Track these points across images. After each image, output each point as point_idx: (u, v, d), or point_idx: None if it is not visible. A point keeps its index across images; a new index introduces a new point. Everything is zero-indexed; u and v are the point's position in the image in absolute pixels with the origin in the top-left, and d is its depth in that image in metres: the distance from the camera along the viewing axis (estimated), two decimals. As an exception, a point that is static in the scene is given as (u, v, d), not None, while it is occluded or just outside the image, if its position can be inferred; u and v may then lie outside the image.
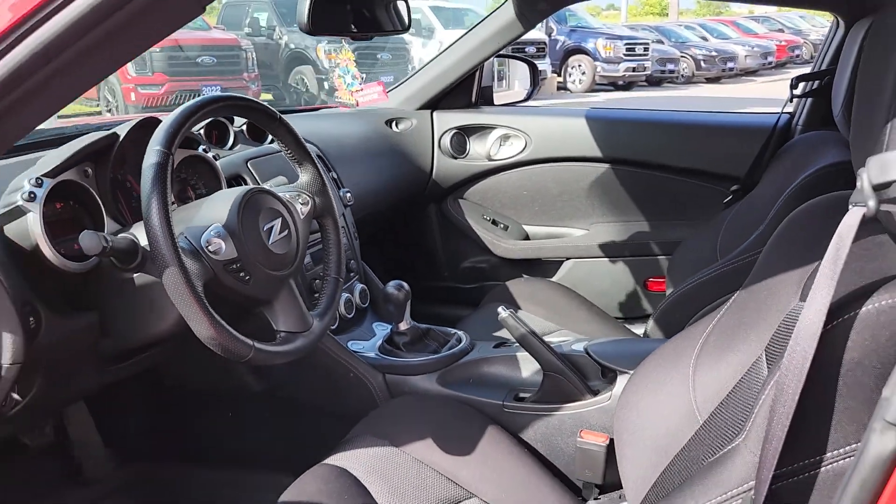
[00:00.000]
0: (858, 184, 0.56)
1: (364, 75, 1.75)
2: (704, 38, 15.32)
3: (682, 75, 13.96)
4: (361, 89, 1.81)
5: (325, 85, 9.16)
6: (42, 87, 0.68)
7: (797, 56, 16.97)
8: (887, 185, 0.53)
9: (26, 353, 0.91)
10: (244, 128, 1.57)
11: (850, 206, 0.58)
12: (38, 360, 0.95)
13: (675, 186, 2.01)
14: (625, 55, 12.44)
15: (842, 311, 0.58)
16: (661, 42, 13.92)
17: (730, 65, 14.63)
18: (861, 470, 0.48)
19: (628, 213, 2.09)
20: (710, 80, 14.34)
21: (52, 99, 0.71)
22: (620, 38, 12.58)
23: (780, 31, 17.96)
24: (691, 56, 14.13)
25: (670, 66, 13.45)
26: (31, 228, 0.96)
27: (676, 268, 1.81)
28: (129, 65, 7.17)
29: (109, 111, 7.96)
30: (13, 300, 0.89)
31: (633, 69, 12.52)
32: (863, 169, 0.55)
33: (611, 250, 2.11)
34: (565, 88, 12.45)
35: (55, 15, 0.65)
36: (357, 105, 2.13)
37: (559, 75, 12.48)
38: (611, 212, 2.11)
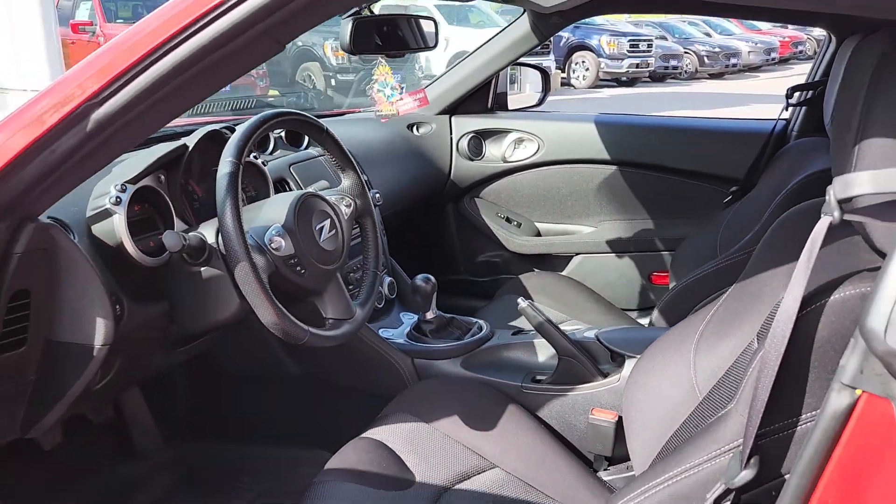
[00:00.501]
0: (827, 198, 0.69)
1: (404, 85, 1.81)
2: (708, 34, 15.30)
3: (686, 71, 13.98)
4: (402, 98, 1.91)
5: (333, 82, 9.25)
6: (155, 104, 0.82)
7: (800, 52, 16.95)
8: (849, 199, 0.67)
9: (114, 337, 1.05)
10: (283, 134, 1.71)
11: (822, 215, 0.71)
12: (120, 343, 1.08)
13: (679, 187, 2.12)
14: (628, 51, 12.45)
15: (815, 299, 0.71)
16: (665, 38, 13.92)
17: (733, 61, 14.63)
18: (822, 423, 0.62)
19: (634, 212, 2.21)
20: (713, 77, 14.36)
21: (160, 115, 0.86)
22: (624, 34, 12.60)
23: (784, 26, 17.98)
24: (694, 52, 14.14)
25: (674, 63, 13.47)
26: (116, 228, 1.09)
27: (679, 263, 1.93)
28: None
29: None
30: (106, 289, 1.03)
31: (637, 65, 12.55)
32: (830, 186, 0.69)
33: (617, 246, 2.22)
34: (569, 84, 12.50)
35: (170, 52, 0.79)
36: (398, 114, 2.22)
37: (563, 71, 12.53)
38: (618, 210, 2.22)
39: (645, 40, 12.74)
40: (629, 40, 12.46)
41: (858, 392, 0.60)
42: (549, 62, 10.78)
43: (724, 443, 0.76)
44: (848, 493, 0.62)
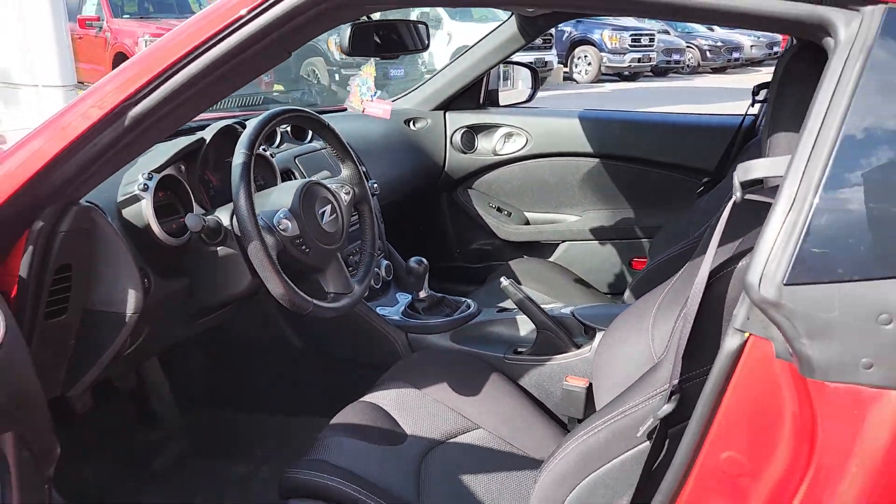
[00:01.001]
0: (733, 181, 0.83)
1: (378, 91, 1.97)
2: (710, 28, 15.37)
3: (688, 66, 14.01)
4: (371, 100, 2.08)
5: (336, 77, 9.36)
6: (181, 103, 0.98)
7: (803, 46, 16.95)
8: (749, 182, 0.81)
9: (143, 306, 1.20)
10: (288, 129, 1.86)
11: (732, 196, 0.85)
12: (147, 313, 1.23)
13: (656, 179, 2.26)
14: (630, 46, 12.48)
15: (727, 265, 0.86)
16: (667, 32, 13.93)
17: (735, 55, 14.66)
18: (719, 361, 0.76)
19: (616, 202, 2.35)
20: (715, 71, 14.38)
21: (185, 112, 1.01)
22: (626, 28, 12.60)
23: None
24: (697, 46, 14.16)
25: (676, 57, 13.49)
26: (144, 211, 1.25)
27: (656, 249, 2.06)
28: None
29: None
30: (136, 265, 1.18)
31: (639, 60, 12.57)
32: (734, 171, 0.83)
33: (601, 234, 2.37)
34: (571, 79, 12.58)
35: (197, 59, 0.94)
36: (363, 112, 2.38)
37: (565, 66, 12.60)
38: (601, 200, 2.36)
39: (647, 34, 12.74)
40: (631, 35, 12.47)
41: (747, 335, 0.74)
42: (551, 57, 10.85)
43: (657, 386, 0.91)
44: (739, 416, 0.77)
